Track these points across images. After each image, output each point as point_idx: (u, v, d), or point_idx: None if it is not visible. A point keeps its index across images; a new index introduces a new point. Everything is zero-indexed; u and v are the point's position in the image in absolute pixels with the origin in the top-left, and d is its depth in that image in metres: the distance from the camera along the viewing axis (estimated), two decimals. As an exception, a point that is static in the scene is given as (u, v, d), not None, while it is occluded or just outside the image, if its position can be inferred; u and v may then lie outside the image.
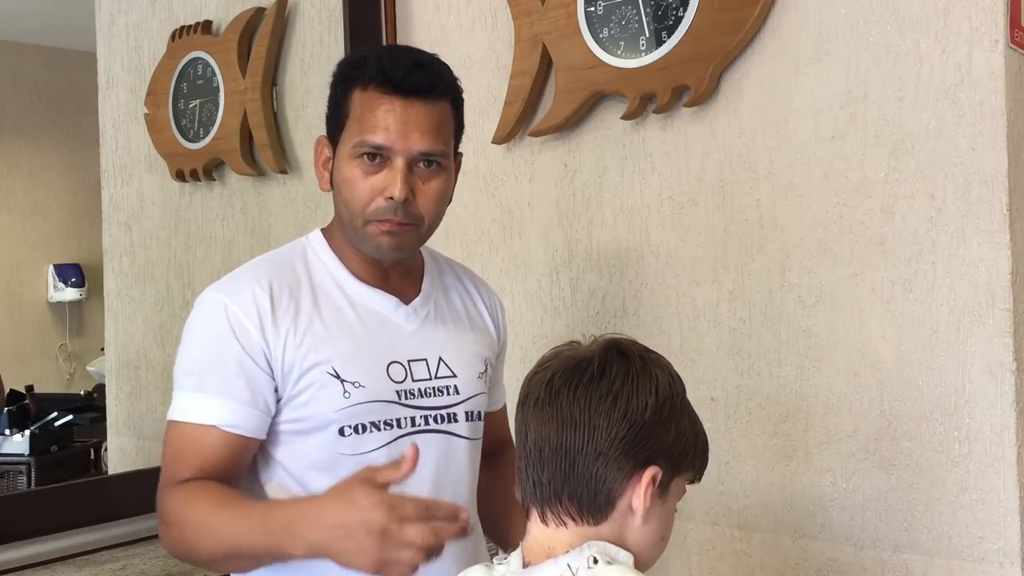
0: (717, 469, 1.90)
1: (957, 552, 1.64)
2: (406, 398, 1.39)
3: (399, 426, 1.38)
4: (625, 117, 1.99)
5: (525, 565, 1.08)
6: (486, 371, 1.50)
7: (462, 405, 1.44)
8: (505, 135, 2.17)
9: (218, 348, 1.32)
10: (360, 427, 1.35)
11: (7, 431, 2.20)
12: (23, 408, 2.28)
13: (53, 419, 2.28)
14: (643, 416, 1.04)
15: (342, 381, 1.34)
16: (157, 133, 2.57)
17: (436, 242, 2.40)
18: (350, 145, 1.35)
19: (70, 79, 2.55)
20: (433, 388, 1.42)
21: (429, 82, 1.34)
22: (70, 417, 2.34)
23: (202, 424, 1.31)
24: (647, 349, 1.11)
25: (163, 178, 2.58)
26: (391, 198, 1.32)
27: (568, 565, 1.02)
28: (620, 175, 2.03)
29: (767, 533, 1.85)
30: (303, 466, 1.36)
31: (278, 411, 1.35)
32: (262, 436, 1.35)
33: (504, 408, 1.65)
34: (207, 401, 1.32)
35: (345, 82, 1.37)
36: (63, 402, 2.39)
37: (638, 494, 1.04)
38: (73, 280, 2.49)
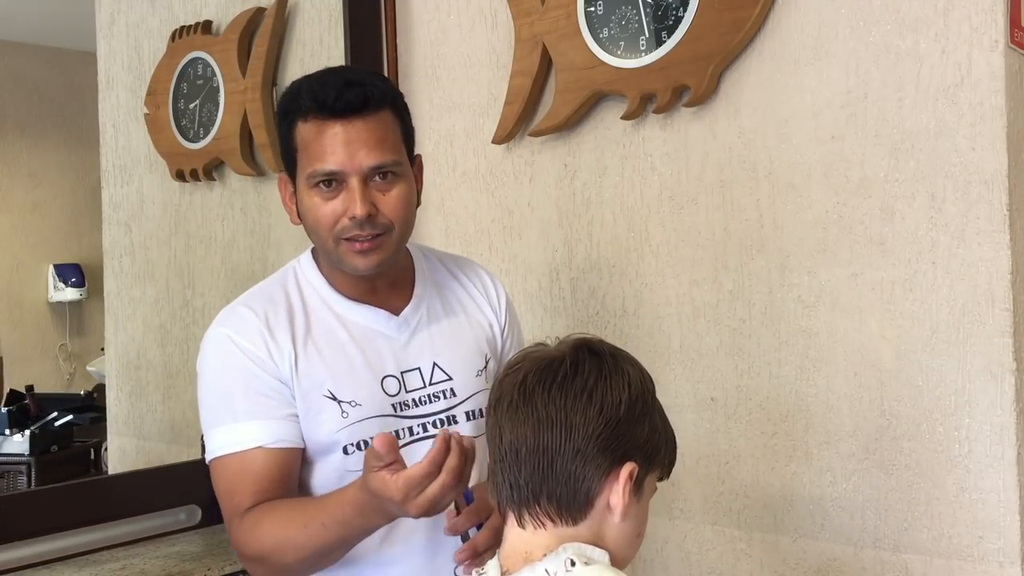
0: (717, 469, 1.90)
1: (957, 552, 1.64)
2: (401, 410, 1.43)
3: (399, 437, 1.39)
4: (625, 117, 1.98)
5: (503, 573, 1.08)
6: (487, 366, 1.52)
7: (461, 406, 1.47)
8: (505, 135, 2.17)
9: (237, 377, 1.38)
10: (362, 443, 1.39)
11: (7, 431, 2.20)
12: (23, 408, 2.28)
13: (53, 419, 2.28)
14: (618, 412, 1.05)
15: (339, 402, 1.39)
16: (157, 133, 2.57)
17: (436, 243, 2.39)
18: (304, 177, 1.38)
19: (70, 79, 2.55)
20: (428, 395, 1.45)
21: (362, 97, 1.36)
22: (70, 417, 2.34)
23: (246, 450, 1.36)
24: (616, 347, 1.12)
25: (163, 178, 2.58)
26: (353, 217, 1.35)
27: (546, 571, 1.02)
28: (620, 175, 2.03)
29: (767, 533, 1.85)
30: (315, 487, 1.41)
31: None
32: (303, 444, 1.39)
33: None
34: (244, 427, 1.36)
35: (286, 117, 1.40)
36: (63, 402, 2.39)
37: (616, 491, 1.04)
38: (73, 280, 2.49)
